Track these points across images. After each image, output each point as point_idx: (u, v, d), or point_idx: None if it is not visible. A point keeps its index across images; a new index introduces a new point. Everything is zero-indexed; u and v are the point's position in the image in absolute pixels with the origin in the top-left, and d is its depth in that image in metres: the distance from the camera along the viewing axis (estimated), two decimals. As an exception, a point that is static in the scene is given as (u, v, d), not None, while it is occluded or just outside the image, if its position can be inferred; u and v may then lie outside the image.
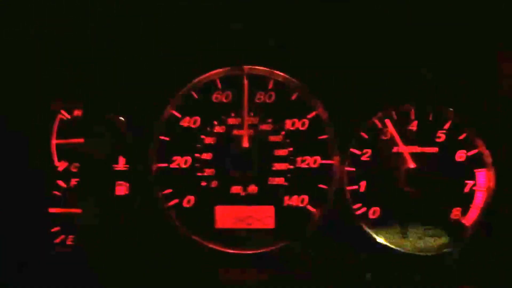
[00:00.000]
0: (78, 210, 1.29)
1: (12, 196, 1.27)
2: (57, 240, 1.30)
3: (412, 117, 1.32)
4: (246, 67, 1.30)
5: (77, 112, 1.30)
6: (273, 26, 1.28)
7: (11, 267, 1.25)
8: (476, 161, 1.31)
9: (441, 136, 1.32)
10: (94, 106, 1.30)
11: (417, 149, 1.31)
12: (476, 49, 1.28)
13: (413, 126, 1.32)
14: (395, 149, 1.31)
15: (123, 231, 1.29)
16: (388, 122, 1.30)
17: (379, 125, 1.32)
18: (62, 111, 1.30)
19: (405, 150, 1.30)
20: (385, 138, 1.32)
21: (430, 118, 1.32)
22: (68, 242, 1.29)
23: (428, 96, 1.31)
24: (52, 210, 1.29)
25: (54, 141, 1.29)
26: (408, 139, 1.31)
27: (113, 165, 1.30)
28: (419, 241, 1.30)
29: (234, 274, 1.30)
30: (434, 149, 1.32)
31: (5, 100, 1.28)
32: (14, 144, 1.28)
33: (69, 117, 1.30)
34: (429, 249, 1.29)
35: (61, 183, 1.29)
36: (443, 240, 1.30)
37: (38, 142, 1.29)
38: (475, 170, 1.31)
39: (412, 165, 1.30)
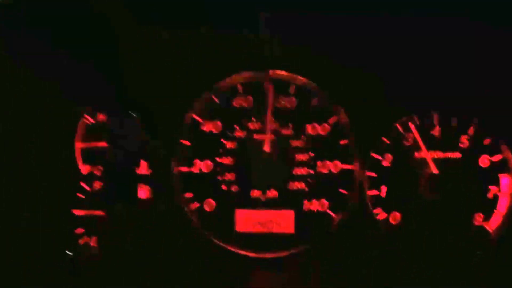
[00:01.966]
0: (101, 213, 1.32)
1: (38, 198, 1.30)
2: (81, 242, 1.32)
3: (435, 122, 1.31)
4: (271, 71, 1.30)
5: (101, 117, 1.33)
6: (295, 31, 1.27)
7: (36, 269, 1.29)
8: (500, 167, 1.29)
9: (465, 141, 1.30)
10: (117, 111, 1.32)
11: (439, 154, 1.30)
12: (500, 54, 1.26)
13: (436, 132, 1.31)
14: (417, 155, 1.30)
15: (145, 234, 1.31)
16: (412, 126, 1.29)
17: (401, 130, 1.31)
18: (86, 116, 1.32)
19: (428, 155, 1.29)
20: (407, 143, 1.31)
21: (453, 124, 1.30)
22: (92, 244, 1.32)
23: (451, 102, 1.30)
24: (76, 212, 1.32)
25: (78, 145, 1.32)
26: (431, 144, 1.30)
27: (136, 169, 1.32)
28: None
29: (255, 278, 1.31)
30: (457, 155, 1.30)
31: (30, 104, 1.31)
32: (39, 148, 1.31)
33: (93, 121, 1.33)
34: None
35: (85, 185, 1.32)
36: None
37: (62, 146, 1.32)
38: (499, 176, 1.29)
39: (435, 170, 1.29)
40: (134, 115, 1.32)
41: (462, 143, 1.30)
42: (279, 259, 1.31)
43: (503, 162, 1.29)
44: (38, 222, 1.30)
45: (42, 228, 1.30)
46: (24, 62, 1.27)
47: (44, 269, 1.29)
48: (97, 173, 1.32)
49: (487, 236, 1.29)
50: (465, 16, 1.20)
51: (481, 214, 1.30)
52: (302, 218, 1.31)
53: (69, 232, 1.31)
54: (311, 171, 1.31)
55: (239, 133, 1.32)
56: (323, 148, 1.31)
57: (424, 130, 1.30)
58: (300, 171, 1.31)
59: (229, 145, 1.32)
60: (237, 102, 1.32)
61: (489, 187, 1.30)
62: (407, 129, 1.31)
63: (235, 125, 1.32)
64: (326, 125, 1.31)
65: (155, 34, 1.27)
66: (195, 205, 1.32)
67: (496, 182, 1.29)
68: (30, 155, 1.30)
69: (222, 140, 1.32)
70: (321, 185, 1.31)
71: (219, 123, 1.32)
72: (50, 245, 1.30)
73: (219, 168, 1.32)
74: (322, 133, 1.31)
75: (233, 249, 1.31)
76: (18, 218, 1.29)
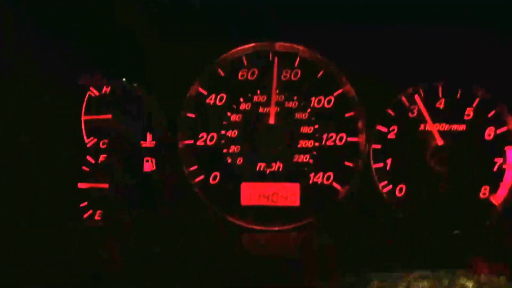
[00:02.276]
0: (106, 185, 1.31)
1: (43, 171, 1.30)
2: (86, 215, 1.32)
3: (440, 94, 1.31)
4: (276, 43, 1.30)
5: (106, 89, 1.32)
6: (301, 4, 1.28)
7: (43, 243, 1.28)
8: (506, 139, 1.29)
9: (470, 113, 1.30)
10: (122, 83, 1.32)
11: (445, 126, 1.30)
12: (505, 24, 1.26)
13: (441, 104, 1.30)
14: (422, 127, 1.30)
15: (150, 207, 1.30)
16: (417, 98, 1.29)
17: (406, 102, 1.31)
18: (91, 88, 1.32)
19: (433, 127, 1.29)
20: (412, 115, 1.31)
21: (459, 96, 1.30)
22: (96, 217, 1.32)
23: (456, 73, 1.30)
24: (81, 185, 1.31)
25: (83, 118, 1.32)
26: (436, 116, 1.30)
27: (141, 142, 1.31)
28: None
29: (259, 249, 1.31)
30: (462, 127, 1.30)
31: (35, 78, 1.31)
32: (44, 121, 1.31)
33: (97, 94, 1.32)
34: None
35: (90, 158, 1.32)
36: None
37: (68, 119, 1.31)
38: (504, 148, 1.29)
39: (440, 142, 1.29)
40: (139, 87, 1.31)
41: (467, 115, 1.30)
42: (284, 231, 1.30)
43: (508, 134, 1.29)
44: (44, 196, 1.30)
45: (48, 203, 1.30)
46: (32, 38, 1.27)
47: (49, 244, 1.28)
48: (103, 146, 1.32)
49: (493, 208, 1.29)
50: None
51: (487, 187, 1.29)
52: (308, 191, 1.31)
53: (74, 206, 1.31)
54: (316, 144, 1.31)
55: (244, 106, 1.31)
56: (328, 120, 1.31)
57: (429, 102, 1.30)
58: (305, 143, 1.31)
59: (234, 117, 1.32)
60: (242, 75, 1.32)
61: (495, 159, 1.29)
62: (412, 102, 1.31)
63: (240, 98, 1.31)
64: (331, 97, 1.31)
65: (161, 6, 1.27)
66: (200, 178, 1.32)
67: (502, 155, 1.29)
68: (37, 130, 1.30)
69: (227, 112, 1.32)
70: (326, 158, 1.31)
71: (224, 95, 1.32)
72: (56, 219, 1.30)
73: (224, 141, 1.31)
74: (327, 105, 1.31)
75: (238, 222, 1.31)
76: (24, 193, 1.29)
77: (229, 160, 1.31)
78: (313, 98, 1.31)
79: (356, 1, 1.26)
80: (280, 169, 1.31)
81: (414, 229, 1.29)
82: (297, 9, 1.28)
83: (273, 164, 1.31)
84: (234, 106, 1.32)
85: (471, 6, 1.24)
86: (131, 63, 1.31)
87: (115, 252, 1.27)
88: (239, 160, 1.31)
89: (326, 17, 1.28)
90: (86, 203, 1.31)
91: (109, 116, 1.31)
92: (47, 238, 1.29)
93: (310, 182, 1.31)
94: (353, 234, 1.28)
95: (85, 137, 1.31)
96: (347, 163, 1.31)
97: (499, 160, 1.29)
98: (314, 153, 1.31)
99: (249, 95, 1.31)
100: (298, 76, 1.32)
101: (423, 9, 1.27)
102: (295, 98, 1.31)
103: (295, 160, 1.31)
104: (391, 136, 1.31)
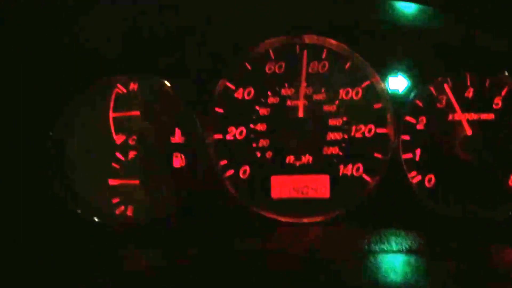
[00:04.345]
0: (136, 182, 1.32)
1: (74, 169, 1.31)
2: (117, 211, 1.33)
3: (468, 83, 1.30)
4: (305, 36, 1.29)
5: (133, 86, 1.32)
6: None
7: (76, 238, 1.29)
8: (535, 127, 1.29)
9: (498, 102, 1.30)
10: (150, 80, 1.31)
11: (473, 116, 1.30)
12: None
13: (469, 93, 1.30)
14: (451, 117, 1.30)
15: (181, 202, 1.31)
16: (446, 88, 1.29)
17: (435, 92, 1.31)
18: (119, 85, 1.32)
19: (462, 117, 1.29)
20: (441, 105, 1.31)
21: (487, 85, 1.30)
22: (128, 213, 1.33)
23: (484, 63, 1.29)
24: (112, 181, 1.32)
25: (111, 115, 1.32)
26: (464, 106, 1.30)
27: (170, 137, 1.31)
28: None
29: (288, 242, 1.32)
30: (491, 116, 1.30)
31: (63, 77, 1.30)
32: (73, 120, 1.31)
33: (125, 91, 1.32)
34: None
35: (119, 155, 1.32)
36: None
37: (96, 116, 1.32)
38: (533, 137, 1.29)
39: (469, 132, 1.29)
40: (167, 83, 1.31)
41: (495, 104, 1.30)
42: (315, 224, 1.31)
43: (537, 122, 1.29)
44: (77, 193, 1.31)
45: (81, 198, 1.31)
46: (59, 34, 1.27)
47: (84, 239, 1.29)
48: (132, 142, 1.32)
49: (522, 196, 1.30)
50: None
51: (515, 175, 1.30)
52: (337, 182, 1.32)
53: (107, 202, 1.32)
54: (345, 136, 1.31)
55: (272, 99, 1.31)
56: (356, 112, 1.31)
57: (457, 92, 1.30)
58: (334, 136, 1.31)
59: (262, 111, 1.32)
60: (269, 68, 1.32)
61: (523, 148, 1.30)
62: (441, 91, 1.30)
63: (268, 91, 1.31)
64: (359, 89, 1.31)
65: (187, 3, 1.26)
66: (230, 172, 1.32)
67: (531, 143, 1.30)
68: (65, 128, 1.30)
69: (255, 106, 1.31)
70: (355, 150, 1.31)
71: (252, 89, 1.32)
72: (89, 216, 1.31)
73: (253, 135, 1.32)
74: (355, 97, 1.31)
75: (269, 215, 1.32)
76: (56, 192, 1.30)
77: (259, 154, 1.32)
78: (341, 90, 1.31)
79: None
80: (310, 162, 1.32)
81: (444, 219, 1.29)
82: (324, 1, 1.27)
83: (303, 157, 1.32)
84: (263, 100, 1.31)
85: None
86: (159, 59, 1.31)
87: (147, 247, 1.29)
88: (269, 154, 1.32)
89: (354, 9, 1.27)
90: (118, 199, 1.32)
91: (138, 112, 1.32)
92: (80, 235, 1.30)
93: (340, 174, 1.32)
94: (383, 224, 1.29)
95: (113, 134, 1.32)
96: (376, 155, 1.31)
97: (527, 149, 1.30)
98: (343, 145, 1.31)
99: (277, 88, 1.31)
100: (326, 68, 1.31)
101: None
102: (323, 90, 1.31)
103: (324, 152, 1.31)
104: (419, 126, 1.31)
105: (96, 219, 1.32)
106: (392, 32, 1.29)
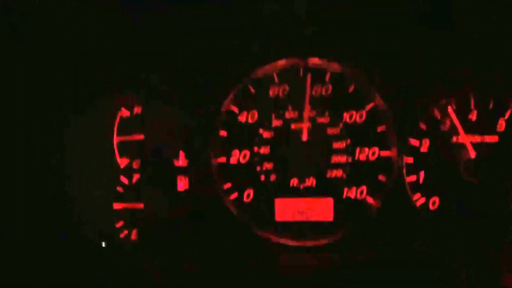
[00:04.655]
0: (141, 205, 1.32)
1: (78, 193, 1.31)
2: (122, 235, 1.33)
3: (472, 106, 1.30)
4: (310, 60, 1.29)
5: (137, 109, 1.32)
6: (331, 17, 1.26)
7: (80, 261, 1.29)
8: (539, 150, 1.29)
9: (502, 124, 1.30)
10: (153, 103, 1.32)
11: (477, 138, 1.30)
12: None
13: (473, 115, 1.30)
14: (454, 139, 1.30)
15: (185, 225, 1.31)
16: (450, 110, 1.29)
17: (438, 115, 1.31)
18: (123, 108, 1.32)
19: (465, 139, 1.29)
20: (444, 128, 1.31)
21: (490, 107, 1.30)
22: (133, 237, 1.33)
23: (488, 84, 1.29)
24: (116, 205, 1.32)
25: (116, 139, 1.32)
26: (468, 128, 1.30)
27: (174, 161, 1.32)
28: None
29: (294, 265, 1.32)
30: (494, 138, 1.30)
31: (67, 100, 1.31)
32: (77, 143, 1.31)
33: (128, 114, 1.32)
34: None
35: (123, 179, 1.32)
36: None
37: (100, 140, 1.32)
38: (537, 159, 1.29)
39: (472, 154, 1.29)
40: (171, 107, 1.31)
41: (499, 126, 1.30)
42: (318, 247, 1.31)
43: (541, 144, 1.29)
44: (81, 217, 1.31)
45: (84, 222, 1.31)
46: (63, 57, 1.27)
47: (86, 263, 1.30)
48: (135, 166, 1.32)
49: (525, 219, 1.30)
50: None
51: (519, 198, 1.30)
52: (341, 205, 1.32)
53: (110, 226, 1.32)
54: (349, 159, 1.31)
55: (276, 123, 1.32)
56: (360, 135, 1.31)
57: (461, 114, 1.30)
58: (338, 158, 1.31)
59: (266, 134, 1.32)
60: (273, 92, 1.32)
61: (527, 170, 1.30)
62: (444, 114, 1.30)
63: (271, 115, 1.31)
64: (363, 112, 1.31)
65: (191, 26, 1.26)
66: (234, 196, 1.32)
67: (534, 165, 1.30)
68: (69, 151, 1.31)
69: (259, 130, 1.32)
70: (359, 172, 1.31)
71: (255, 113, 1.32)
72: (93, 239, 1.31)
73: (257, 158, 1.32)
74: (359, 120, 1.31)
75: (273, 238, 1.32)
76: (60, 215, 1.30)
77: (263, 177, 1.32)
78: (345, 113, 1.31)
79: (388, 15, 1.26)
80: (313, 185, 1.32)
81: (448, 241, 1.29)
82: (327, 24, 1.27)
83: (306, 179, 1.32)
84: (266, 123, 1.32)
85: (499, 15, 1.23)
86: (162, 84, 1.31)
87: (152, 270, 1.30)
88: (272, 177, 1.32)
89: (355, 30, 1.27)
90: (122, 222, 1.33)
91: (141, 136, 1.32)
92: (85, 258, 1.31)
93: (344, 196, 1.32)
94: (387, 247, 1.29)
95: (118, 158, 1.32)
96: (380, 177, 1.31)
97: (531, 171, 1.30)
98: (347, 168, 1.31)
99: (281, 111, 1.31)
100: (329, 91, 1.31)
101: (454, 21, 1.27)
102: (326, 113, 1.31)
103: (328, 175, 1.32)
104: (423, 149, 1.31)
105: (100, 243, 1.32)
106: (396, 54, 1.29)
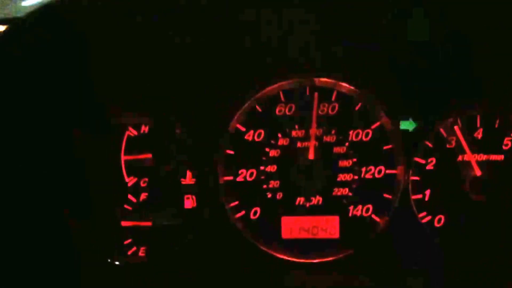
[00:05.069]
0: (148, 223, 1.33)
1: (87, 211, 1.32)
2: (130, 252, 1.34)
3: (478, 124, 1.31)
4: (316, 79, 1.30)
5: (144, 129, 1.33)
6: (336, 37, 1.27)
7: (86, 279, 1.31)
8: (545, 168, 1.30)
9: (508, 143, 1.30)
10: (161, 122, 1.32)
11: (483, 156, 1.30)
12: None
13: (479, 134, 1.31)
14: (460, 157, 1.31)
15: (192, 243, 1.33)
16: (456, 129, 1.29)
17: (444, 133, 1.31)
18: (130, 128, 1.33)
19: (471, 158, 1.30)
20: (450, 146, 1.31)
21: (496, 126, 1.30)
22: (140, 254, 1.34)
23: (494, 103, 1.30)
24: (124, 223, 1.33)
25: (123, 158, 1.33)
26: (474, 146, 1.30)
27: (181, 179, 1.33)
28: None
29: (300, 282, 1.33)
30: (500, 157, 1.30)
31: (74, 119, 1.32)
32: (85, 162, 1.32)
33: (136, 133, 1.33)
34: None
35: (131, 197, 1.34)
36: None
37: (108, 159, 1.33)
38: (543, 177, 1.30)
39: (478, 172, 1.29)
40: (178, 126, 1.32)
41: (505, 145, 1.30)
42: (324, 264, 1.33)
43: (547, 163, 1.30)
44: (89, 234, 1.32)
45: (93, 240, 1.32)
46: (67, 77, 1.28)
47: (94, 280, 1.31)
48: (143, 184, 1.33)
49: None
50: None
51: (525, 216, 1.31)
52: (347, 223, 1.33)
53: (118, 243, 1.34)
54: (355, 177, 1.32)
55: (282, 141, 1.32)
56: (366, 153, 1.32)
57: (467, 133, 1.30)
58: (344, 177, 1.32)
59: (272, 153, 1.32)
60: (279, 110, 1.32)
61: (533, 189, 1.30)
62: (450, 132, 1.31)
63: (278, 133, 1.32)
64: (369, 130, 1.31)
65: (198, 45, 1.26)
66: (241, 213, 1.34)
67: (540, 184, 1.30)
68: (78, 169, 1.32)
69: (265, 148, 1.32)
70: (365, 191, 1.32)
71: (262, 131, 1.32)
72: (100, 257, 1.33)
73: (264, 176, 1.33)
74: (365, 139, 1.32)
75: (279, 256, 1.33)
76: (69, 233, 1.31)
77: (269, 195, 1.33)
78: (351, 132, 1.31)
79: (394, 34, 1.26)
80: (320, 203, 1.33)
81: (454, 260, 1.30)
82: (333, 43, 1.28)
83: (313, 198, 1.33)
84: (273, 142, 1.32)
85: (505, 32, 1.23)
86: (169, 102, 1.32)
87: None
88: (279, 195, 1.33)
89: (362, 50, 1.27)
90: (130, 240, 1.34)
91: (149, 155, 1.33)
92: (93, 275, 1.32)
93: (350, 214, 1.33)
94: (393, 265, 1.30)
95: (125, 177, 1.33)
96: (386, 195, 1.32)
97: (537, 190, 1.30)
98: (353, 186, 1.32)
99: (287, 130, 1.32)
100: (336, 110, 1.32)
101: (459, 39, 1.27)
102: (333, 132, 1.32)
103: (334, 193, 1.32)
104: (429, 167, 1.32)
105: (108, 260, 1.33)
106: (402, 74, 1.29)
